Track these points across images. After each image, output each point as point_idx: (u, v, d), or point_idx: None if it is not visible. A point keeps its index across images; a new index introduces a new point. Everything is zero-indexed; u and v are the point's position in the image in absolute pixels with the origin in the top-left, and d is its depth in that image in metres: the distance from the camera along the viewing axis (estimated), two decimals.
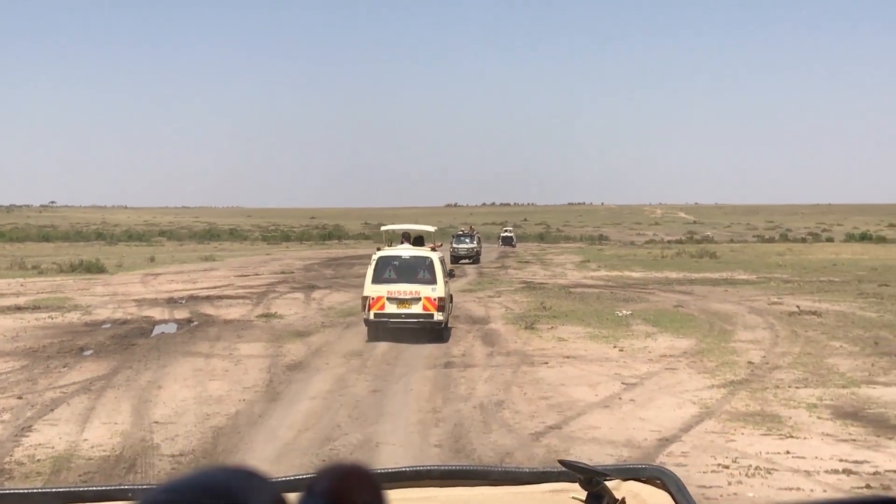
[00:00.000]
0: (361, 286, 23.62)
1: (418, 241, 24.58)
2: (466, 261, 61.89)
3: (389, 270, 22.88)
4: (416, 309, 22.42)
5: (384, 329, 22.57)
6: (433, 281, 22.52)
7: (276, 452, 12.08)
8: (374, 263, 22.90)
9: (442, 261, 23.45)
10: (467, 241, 65.69)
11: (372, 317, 22.65)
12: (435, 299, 22.43)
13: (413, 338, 22.14)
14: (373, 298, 22.54)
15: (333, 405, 14.93)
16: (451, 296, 24.45)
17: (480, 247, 67.44)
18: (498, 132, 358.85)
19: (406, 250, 23.66)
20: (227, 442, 12.65)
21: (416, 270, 22.85)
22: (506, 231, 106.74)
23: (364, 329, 23.24)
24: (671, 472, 3.06)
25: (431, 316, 22.46)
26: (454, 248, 63.59)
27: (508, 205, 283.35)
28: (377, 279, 22.68)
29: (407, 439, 12.82)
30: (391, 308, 22.45)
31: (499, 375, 17.87)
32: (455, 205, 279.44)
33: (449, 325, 24.12)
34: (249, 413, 14.38)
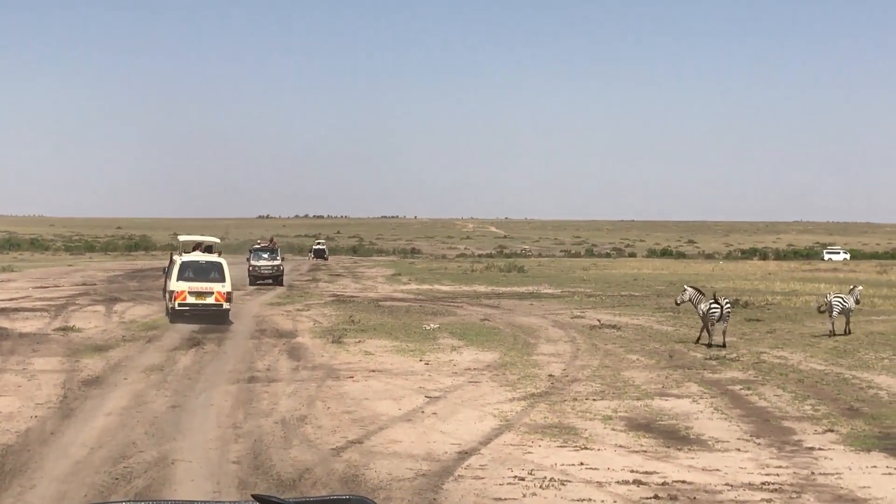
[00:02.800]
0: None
1: (208, 249, 32.67)
2: (268, 282, 49.79)
3: (189, 271, 29.88)
4: (210, 300, 29.54)
5: (183, 315, 29.12)
6: (223, 280, 29.77)
7: (67, 470, 11.70)
8: (177, 266, 29.91)
9: (227, 266, 30.32)
10: (267, 256, 51.42)
11: (176, 306, 29.31)
12: (224, 293, 29.66)
13: (207, 321, 28.79)
14: (177, 292, 29.35)
15: (130, 422, 14.56)
16: (232, 291, 30.51)
17: (283, 264, 53.10)
18: (312, 142, 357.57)
19: (203, 256, 31.31)
20: (16, 460, 12.17)
21: (209, 272, 30.02)
22: (318, 244, 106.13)
23: (167, 344, 23.53)
24: (373, 501, 3.11)
25: (221, 305, 29.71)
26: (252, 266, 50.26)
27: (322, 217, 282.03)
28: (180, 278, 29.58)
29: (204, 456, 12.60)
30: (191, 300, 29.38)
31: (303, 390, 17.78)
32: (267, 216, 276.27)
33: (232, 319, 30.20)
34: (41, 430, 13.88)
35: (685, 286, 27.44)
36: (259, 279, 49.50)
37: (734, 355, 23.28)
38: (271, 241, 56.61)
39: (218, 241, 35.61)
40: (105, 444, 13.06)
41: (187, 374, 19.45)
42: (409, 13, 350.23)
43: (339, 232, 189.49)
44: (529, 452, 13.14)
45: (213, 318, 29.20)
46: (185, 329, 27.58)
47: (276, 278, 50.35)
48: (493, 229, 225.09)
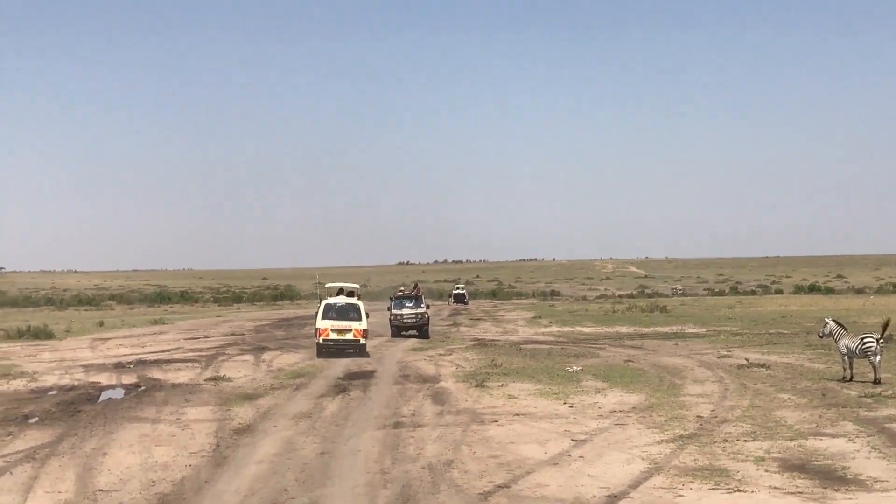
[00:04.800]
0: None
1: (350, 294, 37.93)
2: (412, 333, 46.08)
3: (332, 312, 35.23)
4: (349, 336, 34.77)
5: (328, 349, 34.55)
6: (359, 319, 34.99)
7: None
8: (322, 307, 35.60)
9: (363, 307, 35.54)
10: (411, 304, 47.36)
11: (321, 342, 34.77)
12: (361, 330, 34.83)
13: (345, 355, 34.11)
14: (321, 329, 34.80)
15: (281, 469, 14.80)
16: (368, 329, 35.55)
17: (428, 312, 47.96)
18: (448, 190, 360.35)
19: (344, 299, 36.68)
20: None
21: (349, 312, 35.31)
22: (458, 288, 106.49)
23: (314, 391, 24.06)
24: None
25: (358, 341, 34.82)
26: (394, 314, 46.80)
27: (461, 262, 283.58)
28: (324, 317, 34.98)
29: (354, 502, 12.72)
30: (334, 336, 34.76)
31: (448, 435, 17.82)
32: (407, 263, 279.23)
33: (368, 350, 35.37)
34: (195, 478, 14.22)
35: (826, 319, 26.55)
36: (402, 329, 46.08)
37: (890, 392, 22.45)
38: (414, 287, 53.57)
39: (357, 286, 40.19)
40: (257, 492, 13.30)
41: (335, 421, 19.70)
42: (546, 62, 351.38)
43: (477, 276, 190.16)
44: (681, 495, 12.88)
45: (352, 353, 34.49)
46: (331, 376, 28.00)
47: (420, 328, 46.09)
48: (634, 269, 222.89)
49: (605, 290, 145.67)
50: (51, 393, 24.93)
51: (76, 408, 22.02)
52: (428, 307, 48.21)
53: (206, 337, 47.53)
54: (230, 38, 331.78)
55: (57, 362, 33.44)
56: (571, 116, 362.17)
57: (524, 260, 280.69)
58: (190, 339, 46.13)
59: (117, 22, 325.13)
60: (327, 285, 41.57)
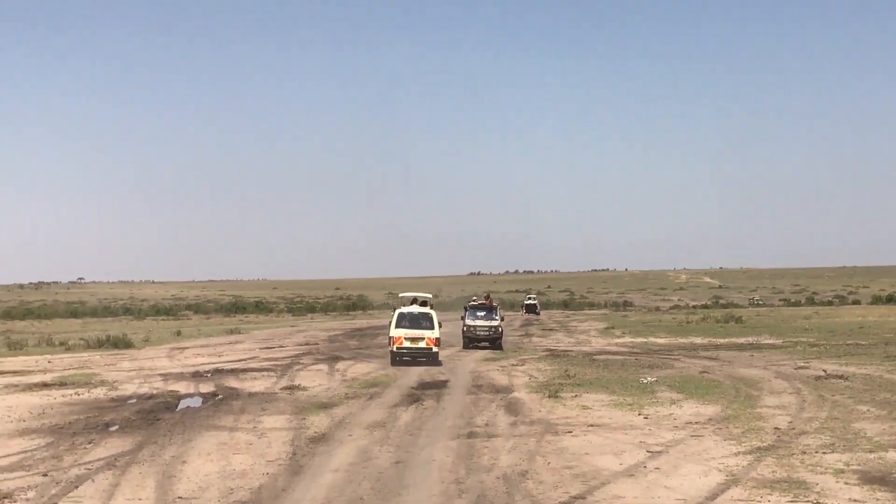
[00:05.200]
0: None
1: (423, 303, 38.67)
2: (485, 345, 44.90)
3: (405, 321, 36.21)
4: (422, 345, 35.61)
5: (401, 357, 35.62)
6: (432, 328, 35.83)
7: None
8: (396, 316, 36.51)
9: (436, 316, 36.46)
10: (485, 316, 45.91)
11: (395, 349, 35.70)
12: (434, 339, 35.69)
13: (418, 363, 35.24)
14: (395, 338, 35.79)
15: (356, 477, 14.91)
16: (441, 338, 36.71)
17: (502, 324, 46.75)
18: (519, 200, 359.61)
19: (417, 308, 37.49)
20: None
21: (421, 321, 36.17)
22: (530, 299, 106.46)
23: (388, 400, 24.35)
24: None
25: (431, 349, 35.65)
26: (466, 325, 45.68)
27: (532, 272, 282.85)
28: (398, 326, 35.91)
29: None
30: (407, 344, 35.66)
31: (522, 445, 17.81)
32: (478, 273, 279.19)
33: (440, 360, 36.43)
34: (273, 487, 14.37)
35: None
36: (474, 341, 45.00)
37: None
38: (487, 297, 50.64)
39: (430, 296, 41.42)
40: (333, 500, 13.41)
41: (409, 431, 19.79)
42: (622, 71, 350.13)
43: (549, 286, 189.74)
44: None
45: (424, 361, 35.59)
46: (404, 386, 28.14)
47: (493, 341, 44.90)
48: (707, 279, 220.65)
49: (679, 300, 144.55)
50: (130, 401, 25.36)
51: (155, 416, 22.36)
52: (502, 319, 46.67)
53: (281, 346, 48.02)
54: (339, 49, 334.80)
55: (136, 371, 34.01)
56: (645, 127, 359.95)
57: (596, 270, 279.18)
58: (265, 348, 46.63)
59: (229, 37, 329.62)
60: (401, 295, 42.57)
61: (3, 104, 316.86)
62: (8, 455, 17.21)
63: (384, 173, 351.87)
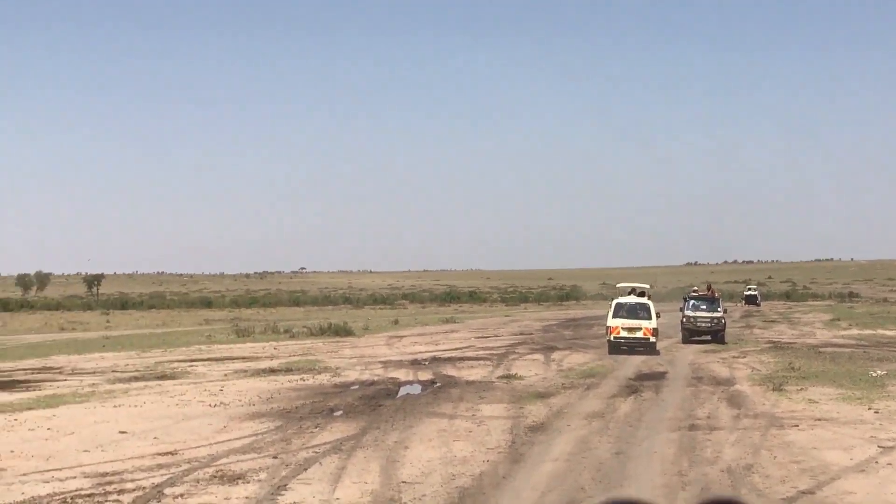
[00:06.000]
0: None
1: (641, 293, 38.60)
2: (706, 338, 41.88)
3: (622, 311, 36.42)
4: (639, 335, 35.77)
5: (619, 347, 35.75)
6: (649, 318, 35.74)
7: None
8: (613, 306, 36.89)
9: (653, 306, 36.39)
10: (706, 307, 42.74)
11: (612, 339, 36.09)
12: (651, 329, 35.65)
13: (635, 352, 35.17)
14: (612, 327, 36.14)
15: (576, 467, 14.85)
16: (658, 328, 36.43)
17: (725, 317, 43.33)
18: (738, 186, 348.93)
19: (634, 299, 37.56)
20: (473, 502, 12.78)
21: (638, 311, 36.20)
22: (749, 289, 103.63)
23: (605, 391, 24.28)
24: None
25: (648, 339, 35.74)
26: (686, 317, 42.63)
27: (751, 262, 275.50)
28: (615, 315, 36.27)
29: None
30: (624, 334, 35.91)
31: (746, 438, 17.35)
32: (695, 263, 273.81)
33: (659, 349, 36.48)
34: (493, 474, 14.48)
35: None
36: (695, 334, 42.10)
37: None
38: (709, 288, 47.20)
39: (648, 286, 41.23)
40: (554, 489, 13.40)
41: (628, 422, 19.58)
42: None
43: (770, 277, 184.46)
44: None
45: (642, 350, 35.54)
46: (622, 377, 27.90)
47: (715, 334, 41.86)
48: None
49: None
50: (353, 387, 26.07)
51: (377, 402, 22.91)
52: (725, 311, 43.79)
53: (496, 336, 48.44)
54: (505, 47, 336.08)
55: (357, 358, 34.96)
56: (860, 107, 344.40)
57: (819, 260, 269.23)
58: (480, 337, 47.14)
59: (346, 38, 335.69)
60: (618, 285, 43.18)
61: (233, 105, 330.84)
62: (240, 437, 17.98)
63: (596, 160, 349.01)
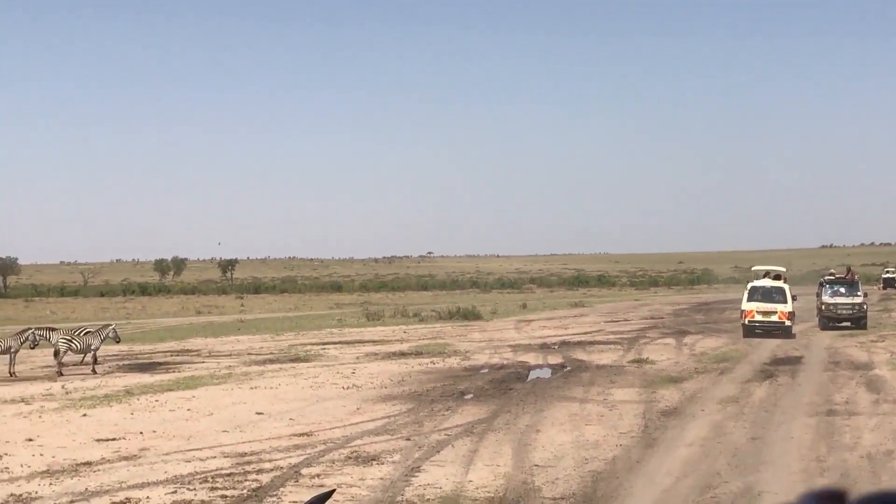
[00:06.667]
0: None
1: (777, 277, 38.46)
2: (846, 325, 39.18)
3: (757, 294, 35.98)
4: (774, 318, 35.14)
5: (753, 330, 35.04)
6: (784, 301, 35.26)
7: (655, 498, 12.08)
8: (748, 290, 36.58)
9: (789, 290, 35.90)
10: (845, 292, 39.92)
11: (746, 322, 35.66)
12: (786, 313, 35.04)
13: (771, 336, 34.30)
14: (746, 311, 35.72)
15: (711, 452, 14.69)
16: (795, 312, 35.76)
17: (866, 302, 40.66)
18: (872, 164, 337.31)
19: (769, 282, 37.29)
20: (607, 487, 12.76)
21: (773, 295, 35.76)
22: (888, 272, 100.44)
23: (739, 375, 23.98)
24: None
25: (784, 323, 35.03)
26: (823, 303, 39.81)
27: (890, 244, 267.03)
28: (750, 299, 35.87)
29: (791, 489, 12.37)
30: (759, 317, 35.35)
31: (886, 424, 16.92)
32: (831, 245, 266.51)
33: (795, 333, 35.50)
34: (626, 458, 14.42)
35: None
36: (833, 321, 39.43)
37: None
38: (848, 271, 44.56)
39: (783, 270, 41.15)
40: (689, 474, 13.28)
41: (763, 407, 19.25)
42: None
43: None
44: None
45: (777, 334, 34.69)
46: (756, 361, 27.42)
47: (856, 321, 39.21)
48: None
49: None
50: (482, 371, 26.21)
51: (507, 386, 23.00)
52: (866, 295, 41.03)
53: (626, 320, 48.09)
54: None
55: (486, 342, 35.12)
56: None
57: None
58: (610, 321, 46.88)
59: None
60: (753, 268, 43.87)
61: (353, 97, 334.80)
62: (374, 419, 18.28)
63: (729, 143, 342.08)
